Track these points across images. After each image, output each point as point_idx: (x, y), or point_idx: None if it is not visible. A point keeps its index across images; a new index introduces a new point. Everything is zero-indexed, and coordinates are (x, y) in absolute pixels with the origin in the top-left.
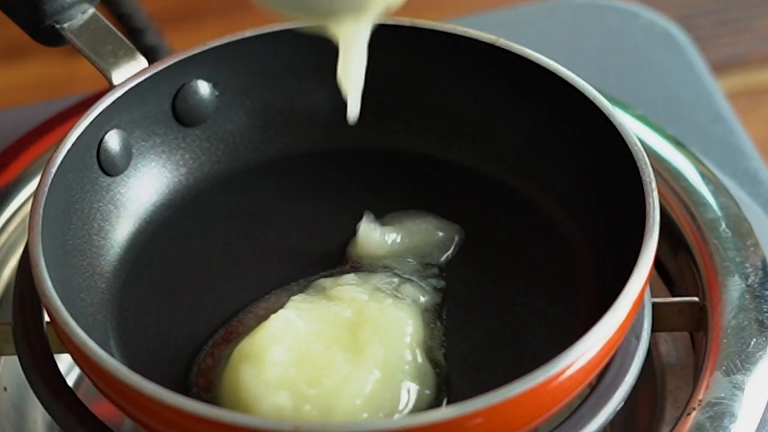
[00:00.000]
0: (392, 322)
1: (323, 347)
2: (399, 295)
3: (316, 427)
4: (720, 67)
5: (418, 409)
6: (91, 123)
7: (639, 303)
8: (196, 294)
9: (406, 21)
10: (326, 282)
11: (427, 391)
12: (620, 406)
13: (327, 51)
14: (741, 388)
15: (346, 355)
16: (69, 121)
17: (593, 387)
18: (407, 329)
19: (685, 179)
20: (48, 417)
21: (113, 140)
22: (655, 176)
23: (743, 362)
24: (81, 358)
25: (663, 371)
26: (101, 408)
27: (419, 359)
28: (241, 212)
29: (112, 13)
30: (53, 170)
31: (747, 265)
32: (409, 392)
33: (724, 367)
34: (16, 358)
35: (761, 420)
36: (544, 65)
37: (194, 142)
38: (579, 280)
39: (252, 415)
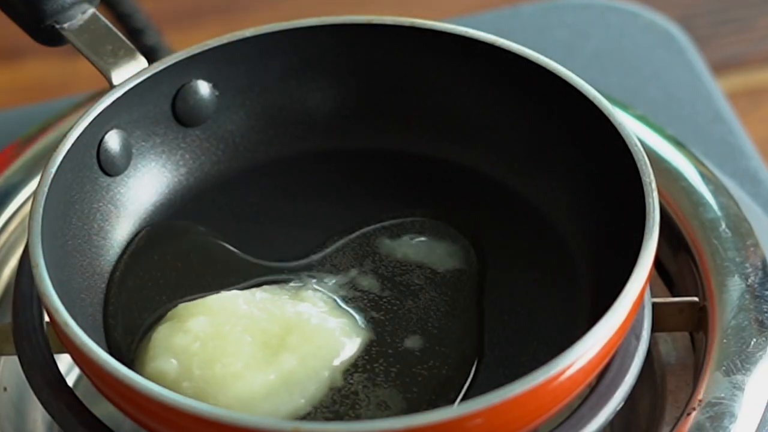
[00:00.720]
0: (326, 339)
1: (244, 336)
2: (362, 314)
3: (316, 427)
4: (720, 67)
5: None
6: (91, 123)
7: (639, 303)
8: (196, 294)
9: (406, 21)
10: (312, 282)
11: (323, 413)
12: (620, 406)
13: (327, 51)
14: (741, 388)
15: (259, 352)
16: (69, 121)
17: (593, 387)
18: (339, 351)
19: (685, 179)
20: (48, 417)
21: (113, 140)
22: (655, 176)
23: (743, 362)
24: (81, 358)
25: (663, 371)
26: (101, 408)
27: (333, 383)
28: (241, 212)
29: (112, 13)
30: (53, 170)
31: (747, 265)
32: (297, 411)
33: (724, 367)
34: (16, 358)
35: (761, 420)
36: (544, 65)
37: (194, 142)
38: (579, 280)
39: (252, 415)
